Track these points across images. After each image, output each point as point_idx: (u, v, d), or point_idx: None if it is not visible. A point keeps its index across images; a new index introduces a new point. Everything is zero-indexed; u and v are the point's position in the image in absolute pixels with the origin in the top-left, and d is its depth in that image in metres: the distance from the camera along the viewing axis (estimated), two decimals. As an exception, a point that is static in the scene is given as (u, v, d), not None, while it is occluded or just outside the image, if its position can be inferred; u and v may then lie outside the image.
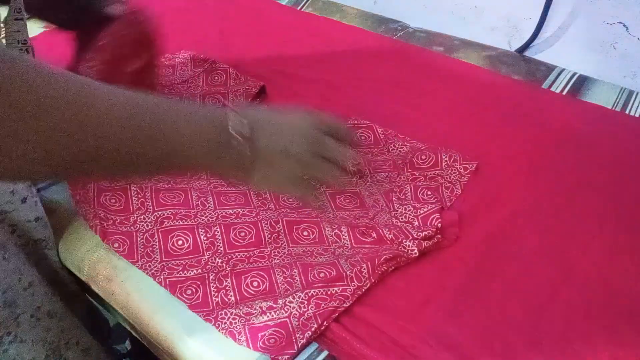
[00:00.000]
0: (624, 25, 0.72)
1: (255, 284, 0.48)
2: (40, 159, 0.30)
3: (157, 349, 0.48)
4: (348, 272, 0.47)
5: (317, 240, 0.52)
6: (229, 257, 0.50)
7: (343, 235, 0.52)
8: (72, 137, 0.31)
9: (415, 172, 0.59)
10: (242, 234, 0.53)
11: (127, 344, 1.02)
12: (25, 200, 0.45)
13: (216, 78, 0.75)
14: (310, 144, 0.44)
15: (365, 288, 0.47)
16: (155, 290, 0.48)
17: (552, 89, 0.74)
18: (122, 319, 0.52)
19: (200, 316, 0.46)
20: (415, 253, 0.49)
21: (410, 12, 0.91)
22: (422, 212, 0.52)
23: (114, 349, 1.01)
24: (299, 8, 0.96)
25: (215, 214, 0.54)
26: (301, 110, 0.46)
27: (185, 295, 0.47)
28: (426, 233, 0.50)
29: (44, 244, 0.47)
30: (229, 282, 0.48)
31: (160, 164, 0.38)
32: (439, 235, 0.51)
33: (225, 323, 0.45)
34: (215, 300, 0.47)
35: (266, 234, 0.52)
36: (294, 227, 0.53)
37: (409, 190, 0.56)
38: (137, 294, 0.48)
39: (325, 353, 0.44)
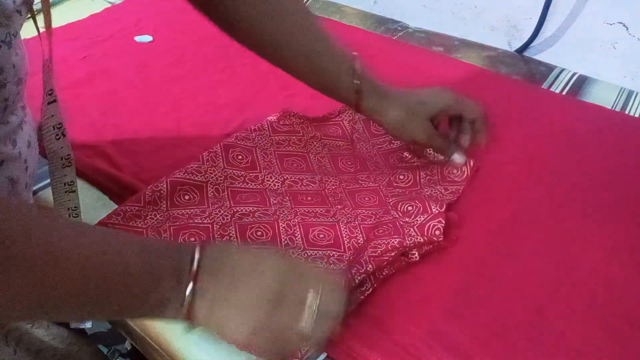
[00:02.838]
0: (624, 25, 0.72)
1: None
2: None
3: (154, 352, 0.48)
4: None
5: (332, 242, 0.51)
6: None
7: (358, 236, 0.52)
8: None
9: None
10: (259, 232, 0.52)
11: (127, 344, 1.02)
12: None
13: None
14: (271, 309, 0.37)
15: (367, 293, 0.47)
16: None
17: (552, 89, 0.74)
18: (119, 323, 0.52)
19: None
20: (416, 257, 0.49)
21: (410, 12, 0.91)
22: (420, 219, 0.51)
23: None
24: (298, 8, 0.96)
25: (231, 211, 0.53)
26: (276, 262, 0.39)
27: None
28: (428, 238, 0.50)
29: (28, 325, 0.46)
30: None
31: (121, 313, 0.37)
32: (441, 238, 0.50)
33: None
34: None
35: (282, 237, 0.52)
36: (310, 229, 0.52)
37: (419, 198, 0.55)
38: (137, 294, 0.48)
39: (324, 355, 0.44)
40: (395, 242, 0.49)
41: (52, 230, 0.32)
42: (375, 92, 0.56)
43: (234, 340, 0.38)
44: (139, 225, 0.52)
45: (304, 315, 0.37)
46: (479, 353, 0.43)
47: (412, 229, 0.50)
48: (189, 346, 0.45)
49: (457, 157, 0.58)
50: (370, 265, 0.47)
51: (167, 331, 0.46)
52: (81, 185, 0.60)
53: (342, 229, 0.53)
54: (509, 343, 0.44)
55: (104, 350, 1.02)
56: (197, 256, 0.36)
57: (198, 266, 0.36)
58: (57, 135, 0.47)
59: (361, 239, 0.51)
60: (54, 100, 0.46)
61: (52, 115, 0.46)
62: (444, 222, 0.50)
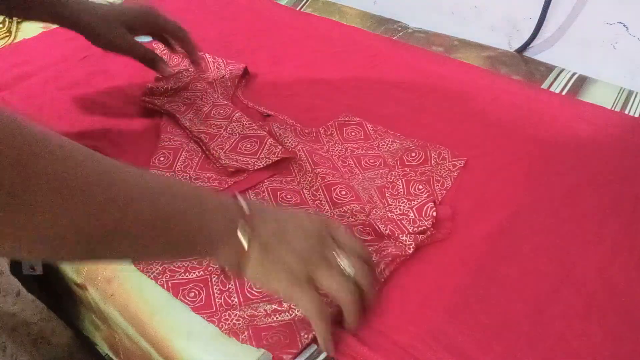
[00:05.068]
0: (624, 25, 0.72)
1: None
2: (57, 237, 0.29)
3: None
4: None
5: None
6: None
7: None
8: (96, 215, 0.30)
9: (405, 169, 0.59)
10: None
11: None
12: (2, 273, 0.44)
13: (196, 67, 0.75)
14: (317, 244, 0.40)
15: None
16: (155, 291, 0.48)
17: (552, 89, 0.74)
18: (101, 335, 0.51)
19: (203, 318, 0.46)
20: (412, 247, 0.49)
21: (410, 12, 0.91)
22: (415, 203, 0.53)
23: None
24: (298, 8, 0.96)
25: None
26: (311, 213, 0.43)
27: (188, 298, 0.47)
28: (422, 227, 0.50)
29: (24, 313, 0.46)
30: (232, 284, 0.48)
31: (172, 249, 0.37)
32: (432, 229, 0.51)
33: (229, 324, 0.45)
34: (218, 302, 0.47)
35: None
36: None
37: (401, 186, 0.56)
38: (137, 295, 0.48)
39: (324, 354, 0.44)
40: (393, 250, 0.49)
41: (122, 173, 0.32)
42: (72, 4, 0.58)
43: (276, 289, 0.40)
44: None
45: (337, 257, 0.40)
46: (478, 353, 0.43)
47: (411, 211, 0.52)
48: (191, 348, 0.45)
49: (164, 68, 0.59)
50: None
51: (168, 333, 0.46)
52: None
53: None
54: (509, 343, 0.44)
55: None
56: (242, 202, 0.39)
57: (249, 209, 0.39)
58: None
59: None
60: None
61: None
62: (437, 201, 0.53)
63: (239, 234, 0.38)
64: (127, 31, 0.58)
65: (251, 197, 0.56)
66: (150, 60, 0.59)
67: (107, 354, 0.56)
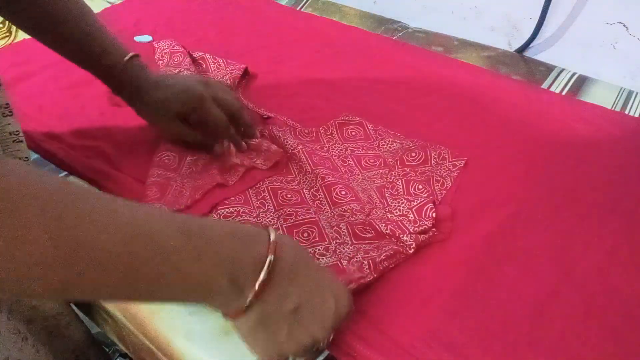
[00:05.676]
0: (624, 25, 0.72)
1: None
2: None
3: (149, 356, 0.48)
4: (350, 267, 0.47)
5: (317, 239, 0.52)
6: None
7: (342, 231, 0.52)
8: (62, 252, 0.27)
9: (405, 169, 0.59)
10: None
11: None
12: None
13: (197, 67, 0.76)
14: (322, 332, 0.38)
15: (367, 279, 0.46)
16: (155, 290, 0.48)
17: (552, 89, 0.74)
18: (110, 328, 0.51)
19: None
20: (413, 247, 0.49)
21: (410, 12, 0.91)
22: (415, 204, 0.53)
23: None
24: (298, 8, 0.96)
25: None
26: (344, 290, 0.40)
27: None
28: (423, 227, 0.50)
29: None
30: None
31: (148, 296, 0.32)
32: (434, 229, 0.51)
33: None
34: None
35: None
36: (294, 230, 0.53)
37: (400, 186, 0.56)
38: (137, 295, 0.48)
39: (325, 353, 0.44)
40: (393, 246, 0.49)
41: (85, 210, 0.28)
42: (132, 87, 0.59)
43: (254, 351, 0.38)
44: None
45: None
46: (478, 353, 0.43)
47: (411, 212, 0.52)
48: (191, 348, 0.45)
49: (216, 147, 0.61)
50: (365, 262, 0.47)
51: (168, 332, 0.46)
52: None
53: (324, 227, 0.53)
54: (508, 343, 0.44)
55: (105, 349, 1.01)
56: (270, 256, 0.34)
57: (268, 276, 0.34)
58: (4, 113, 0.47)
59: (347, 237, 0.52)
60: None
61: None
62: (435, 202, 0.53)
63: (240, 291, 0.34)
64: (180, 121, 0.59)
65: (252, 197, 0.56)
66: (200, 143, 0.61)
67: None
